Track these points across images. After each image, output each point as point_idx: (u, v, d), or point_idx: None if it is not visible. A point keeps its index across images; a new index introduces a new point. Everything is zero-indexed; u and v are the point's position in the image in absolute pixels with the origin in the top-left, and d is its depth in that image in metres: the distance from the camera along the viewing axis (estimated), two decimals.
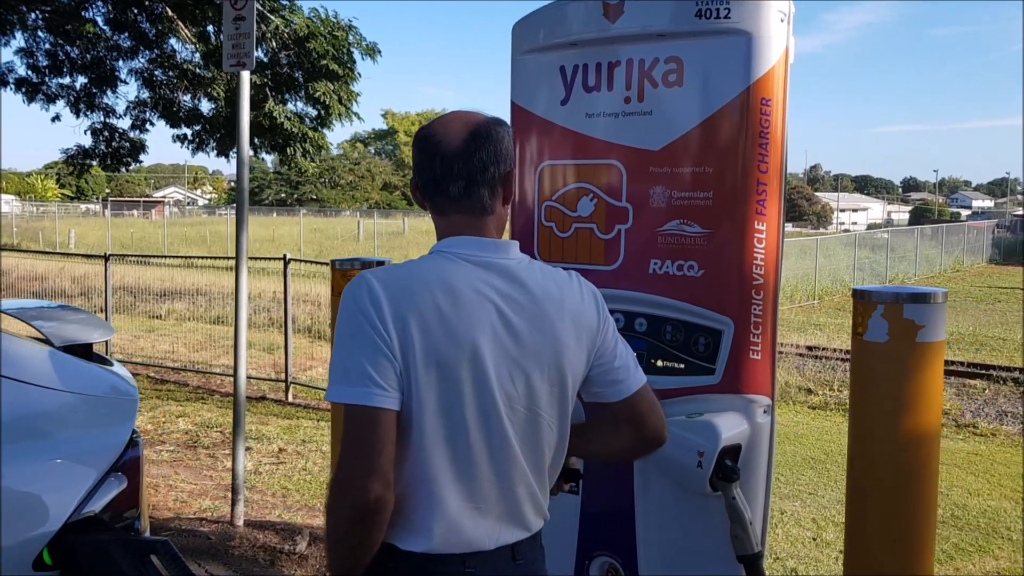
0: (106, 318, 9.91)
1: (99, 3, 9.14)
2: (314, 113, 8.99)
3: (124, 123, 9.74)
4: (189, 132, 9.55)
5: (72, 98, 9.51)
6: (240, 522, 4.59)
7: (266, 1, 8.22)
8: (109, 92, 9.56)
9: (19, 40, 9.37)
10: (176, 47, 9.45)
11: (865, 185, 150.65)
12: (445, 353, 1.46)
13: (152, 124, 9.71)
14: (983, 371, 9.73)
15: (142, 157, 10.17)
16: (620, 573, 2.63)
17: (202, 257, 19.41)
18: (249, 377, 8.70)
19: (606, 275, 2.56)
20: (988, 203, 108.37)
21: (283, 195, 66.53)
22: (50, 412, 2.06)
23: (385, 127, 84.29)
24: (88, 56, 9.34)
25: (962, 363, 10.11)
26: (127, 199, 71.98)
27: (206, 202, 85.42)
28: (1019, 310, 17.20)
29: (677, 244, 2.48)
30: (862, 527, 2.31)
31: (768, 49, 2.36)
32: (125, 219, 49.27)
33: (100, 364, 2.33)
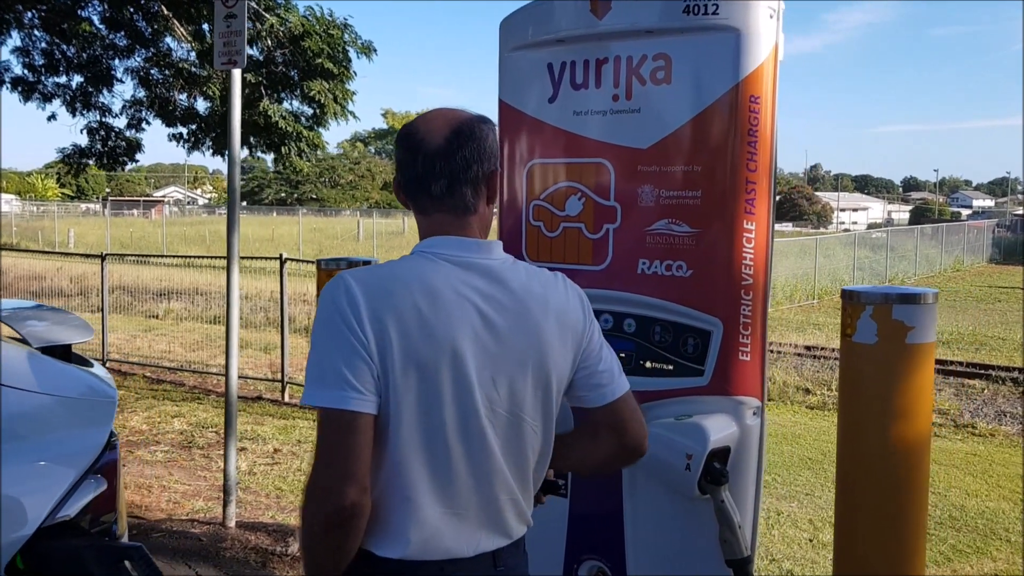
0: (103, 318, 9.89)
1: (95, 2, 9.13)
2: (309, 112, 8.96)
3: (120, 122, 9.71)
4: (185, 131, 9.51)
5: (68, 97, 9.48)
6: (232, 523, 4.56)
7: None
8: (105, 91, 9.52)
9: (15, 39, 9.35)
10: (172, 46, 9.44)
11: (865, 185, 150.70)
12: (424, 355, 1.42)
13: (148, 123, 9.68)
14: (982, 371, 9.70)
15: (139, 156, 10.14)
16: None
17: (200, 257, 19.38)
18: (245, 377, 8.68)
19: (594, 275, 2.53)
20: (988, 203, 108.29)
21: (283, 194, 66.47)
22: (26, 414, 2.03)
23: (385, 127, 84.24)
24: (84, 55, 9.30)
25: (961, 363, 10.08)
26: (127, 198, 71.96)
27: (206, 201, 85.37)
28: (1019, 310, 17.16)
29: (666, 244, 2.45)
30: (852, 529, 2.29)
31: (757, 46, 2.33)
32: (125, 218, 49.29)
33: (79, 365, 2.30)
